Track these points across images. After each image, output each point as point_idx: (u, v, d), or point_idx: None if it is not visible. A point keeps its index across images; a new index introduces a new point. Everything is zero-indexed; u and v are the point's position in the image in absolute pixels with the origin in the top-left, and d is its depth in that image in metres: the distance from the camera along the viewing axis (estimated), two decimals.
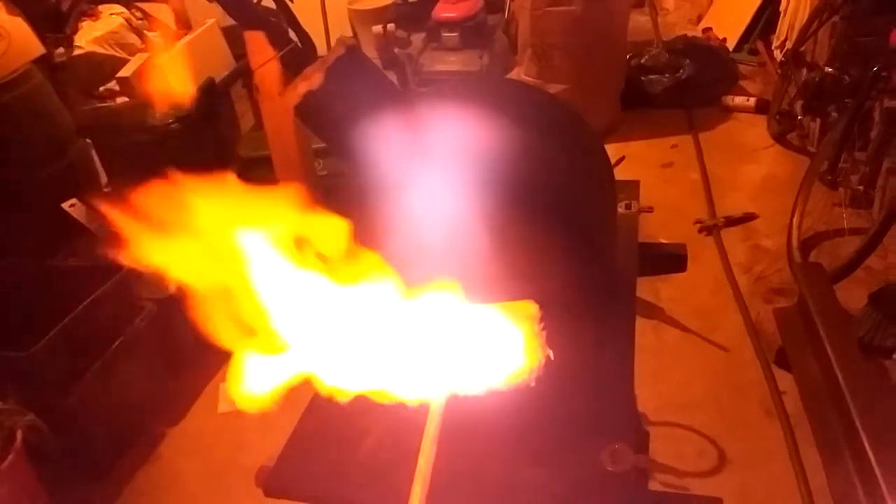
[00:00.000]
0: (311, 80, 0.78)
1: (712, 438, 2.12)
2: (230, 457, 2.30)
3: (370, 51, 3.93)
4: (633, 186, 1.41)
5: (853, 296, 2.45)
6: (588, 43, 3.56)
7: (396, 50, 4.04)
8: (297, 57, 1.59)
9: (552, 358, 0.72)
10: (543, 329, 0.71)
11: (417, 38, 4.31)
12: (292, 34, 1.98)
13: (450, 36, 4.17)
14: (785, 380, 2.28)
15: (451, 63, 4.12)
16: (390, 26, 4.04)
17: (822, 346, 2.03)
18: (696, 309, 2.64)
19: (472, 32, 4.19)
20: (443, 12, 4.17)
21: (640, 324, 2.55)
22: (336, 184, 2.15)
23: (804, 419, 2.11)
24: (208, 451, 2.36)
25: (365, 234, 0.86)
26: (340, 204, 0.90)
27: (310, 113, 0.81)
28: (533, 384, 0.71)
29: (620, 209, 1.31)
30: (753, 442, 2.12)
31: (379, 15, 4.34)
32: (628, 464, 0.89)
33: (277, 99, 1.54)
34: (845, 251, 2.59)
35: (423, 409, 0.71)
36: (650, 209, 1.37)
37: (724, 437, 2.12)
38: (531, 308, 0.69)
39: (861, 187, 2.73)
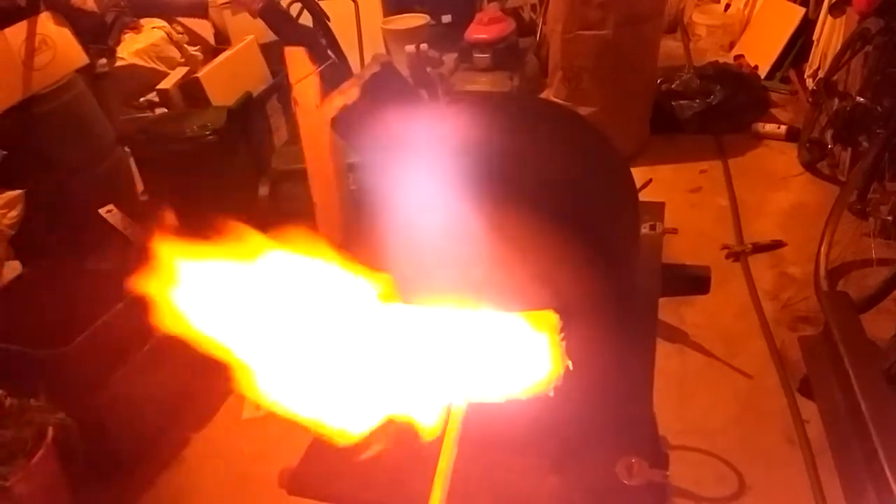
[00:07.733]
0: (348, 94, 0.82)
1: (733, 464, 2.10)
2: (252, 464, 2.33)
3: (402, 69, 3.98)
4: (658, 208, 1.42)
5: (880, 326, 2.42)
6: (618, 67, 3.58)
7: (428, 69, 4.09)
8: (334, 73, 1.63)
9: (571, 368, 0.73)
10: (563, 339, 0.73)
11: (449, 59, 4.38)
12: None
13: (481, 57, 4.23)
14: (808, 408, 2.26)
15: (482, 83, 4.17)
16: (423, 46, 4.10)
17: (846, 375, 2.02)
18: (720, 334, 2.63)
19: (504, 54, 4.24)
20: (475, 34, 4.24)
21: (665, 348, 2.55)
22: (365, 198, 2.19)
23: (826, 448, 2.09)
24: (231, 457, 2.39)
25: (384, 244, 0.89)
26: (368, 216, 0.94)
27: (345, 125, 0.85)
28: (552, 394, 0.73)
29: (645, 230, 1.33)
30: (774, 469, 2.10)
31: (412, 35, 4.42)
32: (644, 478, 0.91)
33: (315, 113, 1.58)
34: (873, 281, 2.57)
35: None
36: (674, 230, 1.38)
37: (744, 463, 2.11)
38: (552, 318, 0.71)
39: (890, 218, 2.71)
